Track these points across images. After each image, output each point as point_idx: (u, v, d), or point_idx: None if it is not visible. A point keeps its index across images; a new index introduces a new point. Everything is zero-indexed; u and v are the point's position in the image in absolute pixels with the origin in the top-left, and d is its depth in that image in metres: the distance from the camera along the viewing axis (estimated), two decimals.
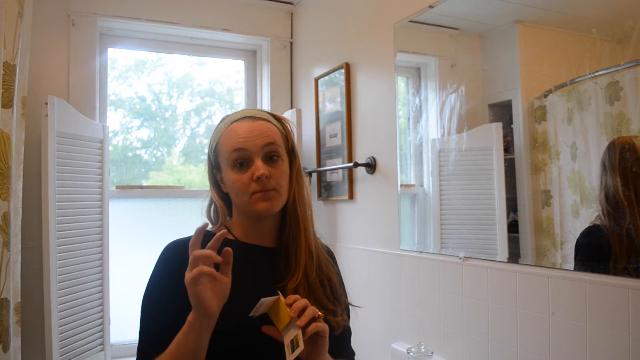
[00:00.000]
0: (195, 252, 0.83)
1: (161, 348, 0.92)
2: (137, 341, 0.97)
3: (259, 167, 0.97)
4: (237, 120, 1.02)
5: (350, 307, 1.12)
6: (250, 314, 0.88)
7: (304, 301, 0.89)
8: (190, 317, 0.85)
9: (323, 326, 0.89)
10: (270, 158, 1.00)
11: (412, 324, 1.78)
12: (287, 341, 0.85)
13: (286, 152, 1.05)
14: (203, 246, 1.01)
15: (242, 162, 0.99)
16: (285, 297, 0.91)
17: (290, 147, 1.07)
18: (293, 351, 0.84)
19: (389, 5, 1.94)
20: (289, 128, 1.09)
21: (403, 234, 1.86)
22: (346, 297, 1.12)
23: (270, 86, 2.71)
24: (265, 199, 0.99)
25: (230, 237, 1.05)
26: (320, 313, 0.89)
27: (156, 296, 0.97)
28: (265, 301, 0.88)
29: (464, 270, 1.55)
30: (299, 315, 0.87)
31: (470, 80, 1.61)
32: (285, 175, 1.03)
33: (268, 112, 1.08)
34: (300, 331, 0.85)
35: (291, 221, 1.04)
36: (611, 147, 1.15)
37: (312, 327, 0.87)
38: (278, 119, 1.08)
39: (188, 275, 0.82)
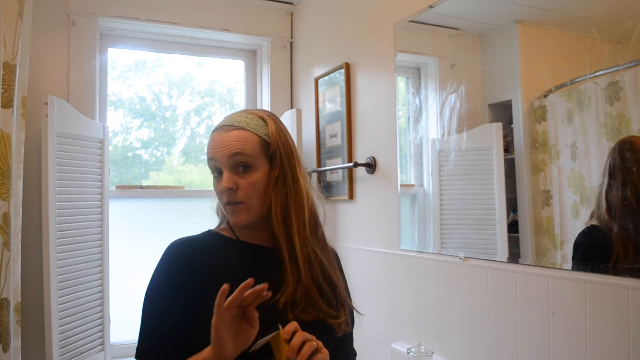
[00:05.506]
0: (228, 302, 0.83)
1: (160, 349, 0.92)
2: (137, 339, 0.96)
3: (225, 179, 0.98)
4: (216, 129, 1.02)
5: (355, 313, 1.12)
6: (250, 350, 0.87)
7: (302, 336, 0.86)
8: (206, 353, 0.86)
9: (322, 357, 0.88)
10: (239, 168, 0.98)
11: (412, 324, 1.78)
12: None
13: (266, 158, 1.00)
14: (208, 246, 1.02)
15: (217, 170, 1.01)
16: (282, 323, 0.88)
17: (272, 152, 1.00)
18: None
19: (389, 5, 1.94)
20: (275, 129, 1.02)
21: (403, 234, 1.86)
22: (350, 301, 1.11)
23: (270, 86, 2.71)
24: (234, 213, 1.00)
25: (232, 236, 1.06)
26: (318, 344, 0.87)
27: (158, 296, 0.97)
28: (263, 340, 0.87)
29: (464, 270, 1.55)
30: (299, 351, 0.85)
31: (470, 80, 1.61)
32: (257, 186, 0.98)
33: (256, 114, 1.03)
34: None
35: (276, 230, 1.00)
36: (623, 145, 1.12)
37: None
38: (265, 121, 1.02)
39: (213, 319, 0.83)
